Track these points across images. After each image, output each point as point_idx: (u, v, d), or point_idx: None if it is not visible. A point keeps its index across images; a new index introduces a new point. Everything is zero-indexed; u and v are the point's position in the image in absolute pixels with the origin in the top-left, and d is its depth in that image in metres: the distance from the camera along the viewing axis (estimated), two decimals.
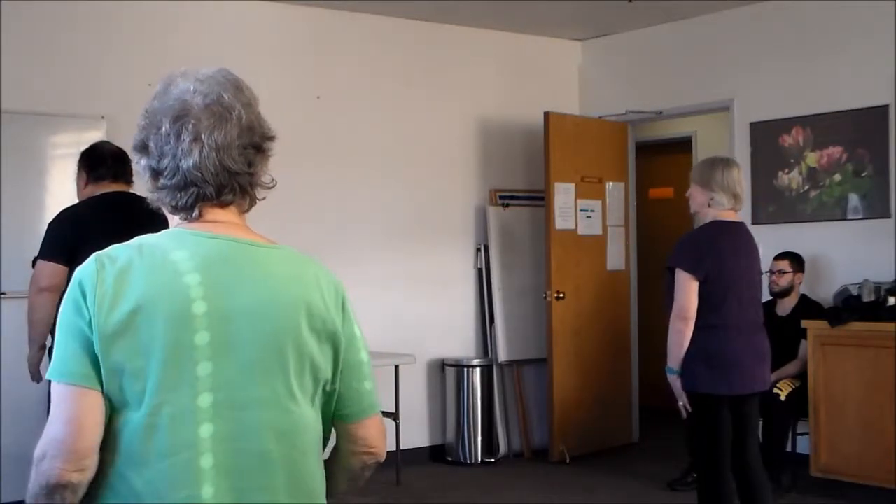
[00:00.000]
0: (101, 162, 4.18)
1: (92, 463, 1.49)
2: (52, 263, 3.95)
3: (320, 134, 6.35)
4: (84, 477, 1.49)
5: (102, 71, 5.66)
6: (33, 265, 4.09)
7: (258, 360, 1.56)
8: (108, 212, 3.95)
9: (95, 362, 1.50)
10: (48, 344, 4.12)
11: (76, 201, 4.28)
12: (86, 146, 4.36)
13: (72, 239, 3.88)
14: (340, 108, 6.49)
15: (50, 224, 4.11)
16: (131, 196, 4.14)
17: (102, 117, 5.50)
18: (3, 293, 5.29)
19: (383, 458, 1.76)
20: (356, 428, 1.71)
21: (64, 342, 1.52)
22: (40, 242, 4.10)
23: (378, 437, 1.74)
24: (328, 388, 1.67)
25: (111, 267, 1.53)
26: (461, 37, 7.01)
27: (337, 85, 6.49)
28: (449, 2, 6.41)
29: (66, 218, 4.07)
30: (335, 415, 1.70)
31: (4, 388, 5.23)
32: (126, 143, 4.41)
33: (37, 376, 4.22)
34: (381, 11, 6.57)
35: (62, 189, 5.08)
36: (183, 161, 1.58)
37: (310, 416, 1.63)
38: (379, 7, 6.48)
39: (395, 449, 6.07)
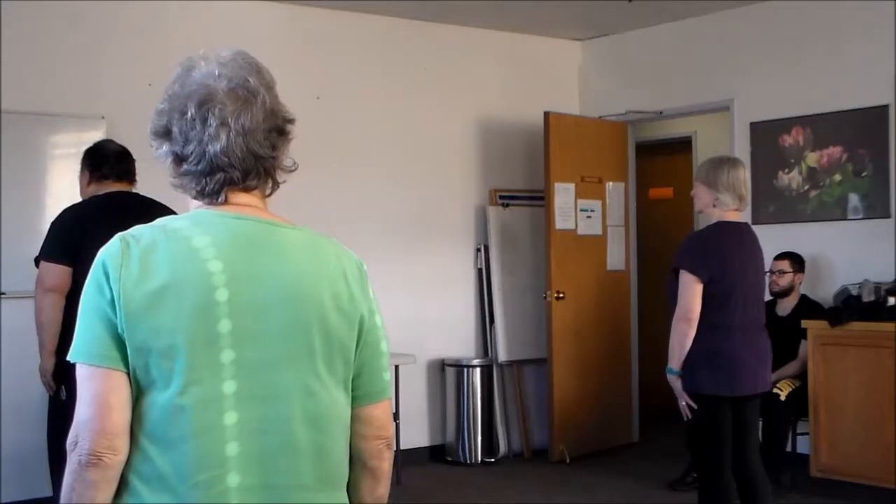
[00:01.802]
0: (104, 161, 4.17)
1: (123, 443, 1.49)
2: (55, 264, 3.93)
3: (320, 134, 6.34)
4: (117, 458, 1.48)
5: (102, 71, 5.65)
6: (36, 264, 4.08)
7: (284, 348, 1.56)
8: (111, 211, 3.94)
9: (118, 342, 1.50)
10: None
11: (78, 200, 4.26)
12: (86, 146, 4.35)
13: (74, 239, 3.87)
14: (340, 108, 6.49)
15: (52, 223, 4.10)
16: (134, 196, 4.13)
17: (102, 117, 5.50)
18: (3, 293, 5.29)
19: (393, 443, 1.74)
20: (371, 409, 1.69)
21: (86, 323, 1.52)
22: (41, 242, 4.08)
23: (389, 420, 1.73)
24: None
25: (136, 246, 1.53)
26: (461, 37, 7.01)
27: (337, 85, 6.49)
28: (449, 2, 6.41)
29: (69, 217, 4.05)
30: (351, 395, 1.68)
31: (4, 388, 5.23)
32: (126, 142, 4.42)
33: (50, 386, 4.07)
34: (381, 11, 6.57)
35: (62, 189, 5.08)
36: (210, 146, 1.56)
37: (340, 401, 1.63)
38: (379, 7, 6.48)
39: (395, 449, 6.07)
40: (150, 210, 3.72)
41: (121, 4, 5.71)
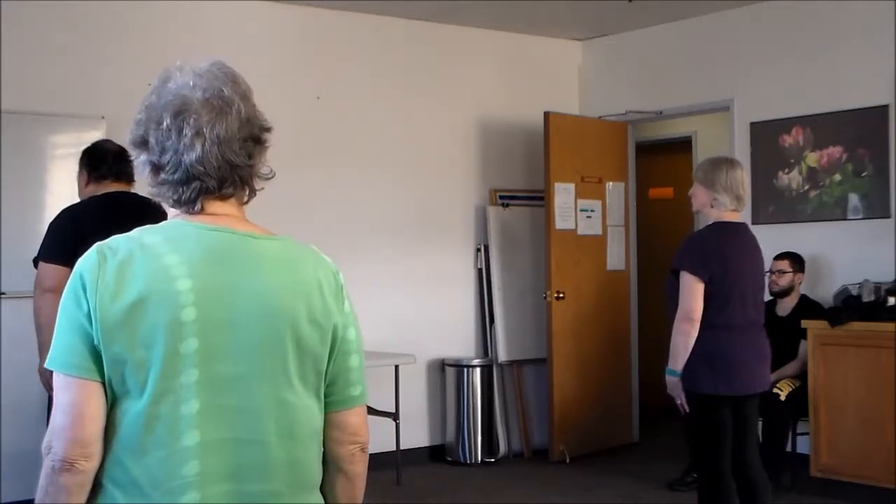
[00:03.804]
0: (102, 161, 4.17)
1: (96, 450, 1.52)
2: (54, 265, 3.92)
3: (320, 134, 6.35)
4: (90, 464, 1.51)
5: (102, 71, 5.65)
6: (35, 265, 4.07)
7: (257, 362, 1.57)
8: (109, 211, 3.93)
9: (94, 353, 1.52)
10: None
11: (77, 200, 4.26)
12: (86, 146, 4.35)
13: (73, 239, 3.85)
14: (340, 108, 6.49)
15: (51, 224, 4.09)
16: (133, 195, 4.13)
17: (102, 117, 5.50)
18: (3, 293, 5.29)
19: (367, 446, 1.76)
20: (346, 415, 1.71)
21: (62, 333, 1.54)
22: (41, 242, 4.08)
23: (364, 426, 1.75)
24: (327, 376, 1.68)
25: (112, 259, 1.54)
26: (461, 37, 7.01)
27: (337, 85, 6.49)
28: (449, 2, 6.41)
29: (68, 217, 4.04)
30: (324, 401, 1.70)
31: (4, 388, 5.23)
32: (125, 142, 4.41)
33: (50, 386, 4.11)
34: (381, 11, 6.57)
35: (62, 189, 5.08)
36: (185, 156, 1.58)
37: (313, 408, 1.65)
38: (379, 7, 6.48)
39: (395, 449, 6.08)
40: (149, 210, 3.70)
41: (121, 4, 5.72)
